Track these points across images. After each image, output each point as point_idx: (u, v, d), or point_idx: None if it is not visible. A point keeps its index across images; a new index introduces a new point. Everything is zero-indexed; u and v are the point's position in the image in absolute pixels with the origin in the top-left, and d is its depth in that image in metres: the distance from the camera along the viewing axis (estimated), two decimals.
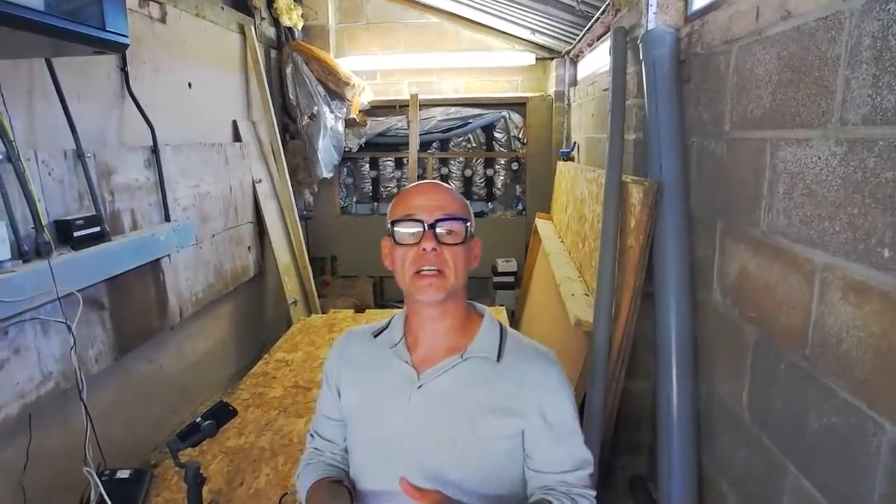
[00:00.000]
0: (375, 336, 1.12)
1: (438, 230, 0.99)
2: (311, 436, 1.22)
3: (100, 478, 1.71)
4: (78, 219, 2.09)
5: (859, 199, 1.15)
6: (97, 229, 2.17)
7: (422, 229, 0.99)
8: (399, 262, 1.02)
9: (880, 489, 1.10)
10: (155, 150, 2.68)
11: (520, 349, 1.06)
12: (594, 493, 1.03)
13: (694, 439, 2.01)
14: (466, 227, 1.02)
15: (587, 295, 2.57)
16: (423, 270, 0.99)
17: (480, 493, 1.00)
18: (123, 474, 1.82)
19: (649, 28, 2.19)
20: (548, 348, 1.09)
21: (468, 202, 1.09)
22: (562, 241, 3.62)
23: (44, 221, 1.93)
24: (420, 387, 1.02)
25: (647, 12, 2.19)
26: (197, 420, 1.49)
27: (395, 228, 1.01)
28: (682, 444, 2.00)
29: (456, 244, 1.00)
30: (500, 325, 1.10)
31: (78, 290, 1.97)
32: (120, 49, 1.66)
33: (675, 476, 2.00)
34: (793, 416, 1.42)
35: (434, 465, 1.00)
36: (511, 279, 4.75)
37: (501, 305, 3.55)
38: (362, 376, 1.10)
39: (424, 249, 0.98)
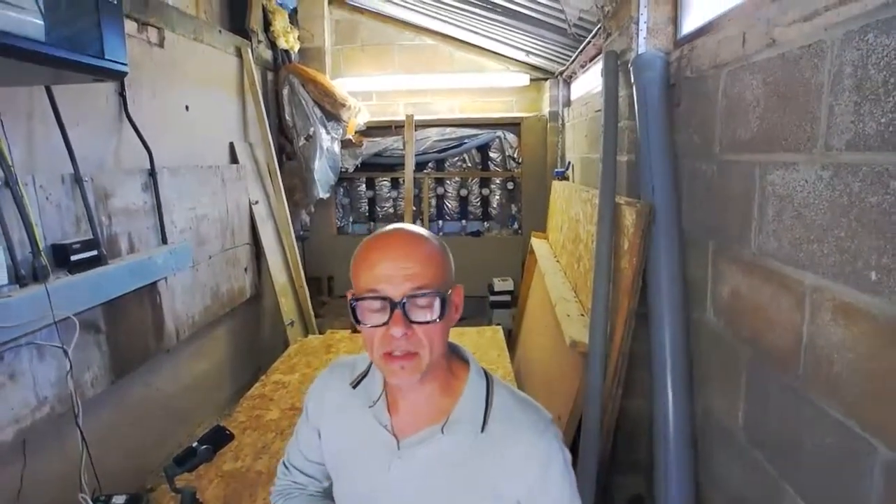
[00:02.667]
0: (354, 386, 1.01)
1: (409, 308, 0.83)
2: (287, 468, 1.13)
3: (95, 503, 1.70)
4: (75, 243, 2.10)
5: (846, 222, 1.17)
6: (94, 253, 2.18)
7: (388, 309, 0.83)
8: (366, 340, 0.88)
9: None
10: (152, 173, 2.69)
11: (507, 414, 0.92)
12: None
13: (691, 458, 2.01)
14: (444, 298, 0.85)
15: (583, 315, 2.59)
16: (393, 353, 0.85)
17: None
18: (119, 500, 1.81)
19: (640, 52, 2.23)
20: (539, 407, 0.96)
21: (445, 247, 0.91)
22: (557, 261, 3.64)
23: (41, 245, 1.94)
24: (400, 458, 0.93)
25: (638, 37, 2.24)
26: (193, 445, 1.48)
27: (357, 307, 0.86)
28: (679, 463, 2.00)
29: (431, 322, 0.85)
30: (487, 381, 0.96)
31: (74, 315, 1.97)
32: (119, 77, 1.69)
33: (673, 495, 2.00)
34: (788, 435, 1.43)
35: None
36: (508, 298, 4.76)
37: (498, 325, 3.55)
38: (340, 430, 1.01)
39: (393, 336, 0.83)
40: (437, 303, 0.85)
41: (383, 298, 0.83)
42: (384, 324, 0.84)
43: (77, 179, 2.18)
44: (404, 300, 0.83)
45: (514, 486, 0.90)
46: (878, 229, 1.08)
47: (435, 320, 0.85)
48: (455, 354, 0.98)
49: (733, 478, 1.77)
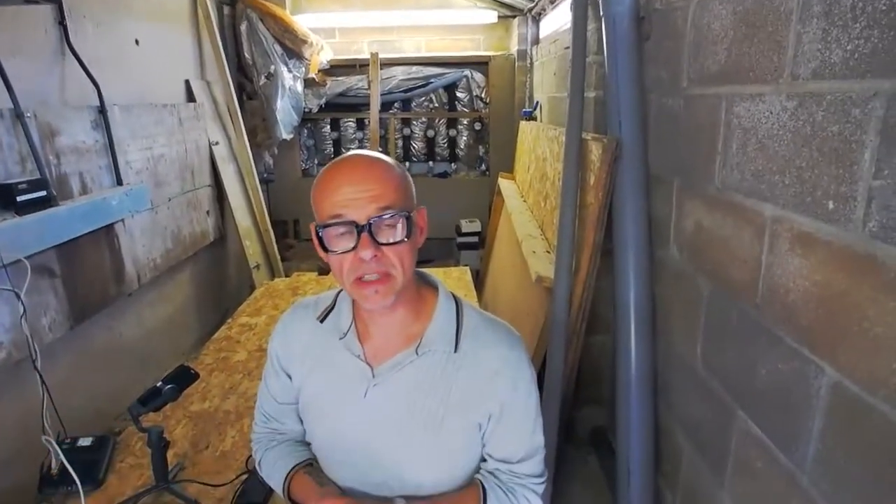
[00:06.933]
0: (321, 320, 1.01)
1: (375, 229, 0.83)
2: (266, 418, 1.12)
3: (60, 446, 1.68)
4: (21, 182, 1.99)
5: (807, 152, 1.18)
6: (43, 193, 2.07)
7: (355, 233, 0.83)
8: (335, 268, 0.87)
9: (819, 426, 1.17)
10: (102, 109, 2.55)
11: (478, 333, 0.95)
12: (543, 478, 1.00)
13: (651, 391, 2.09)
14: (409, 217, 0.85)
15: (548, 252, 2.61)
16: (364, 278, 0.85)
17: (439, 486, 0.96)
18: (85, 442, 1.79)
19: None
20: (508, 326, 0.99)
21: (404, 170, 0.91)
22: (524, 201, 3.64)
23: None
24: (375, 384, 0.94)
25: None
26: (158, 384, 1.47)
27: (323, 234, 0.85)
28: (641, 397, 2.08)
29: (399, 242, 0.85)
30: (456, 303, 0.98)
31: (25, 257, 1.89)
32: None
33: (634, 427, 2.08)
34: (743, 364, 1.48)
35: (392, 463, 0.96)
36: (475, 239, 4.77)
37: (466, 266, 3.56)
38: (312, 367, 1.01)
39: (363, 259, 0.83)
40: (403, 222, 0.85)
41: (348, 223, 0.83)
42: (352, 249, 0.84)
43: (18, 114, 2.05)
44: (370, 222, 0.83)
45: (488, 401, 0.93)
46: (837, 158, 1.09)
47: (403, 240, 0.85)
48: (423, 280, 0.99)
49: (691, 407, 1.85)
